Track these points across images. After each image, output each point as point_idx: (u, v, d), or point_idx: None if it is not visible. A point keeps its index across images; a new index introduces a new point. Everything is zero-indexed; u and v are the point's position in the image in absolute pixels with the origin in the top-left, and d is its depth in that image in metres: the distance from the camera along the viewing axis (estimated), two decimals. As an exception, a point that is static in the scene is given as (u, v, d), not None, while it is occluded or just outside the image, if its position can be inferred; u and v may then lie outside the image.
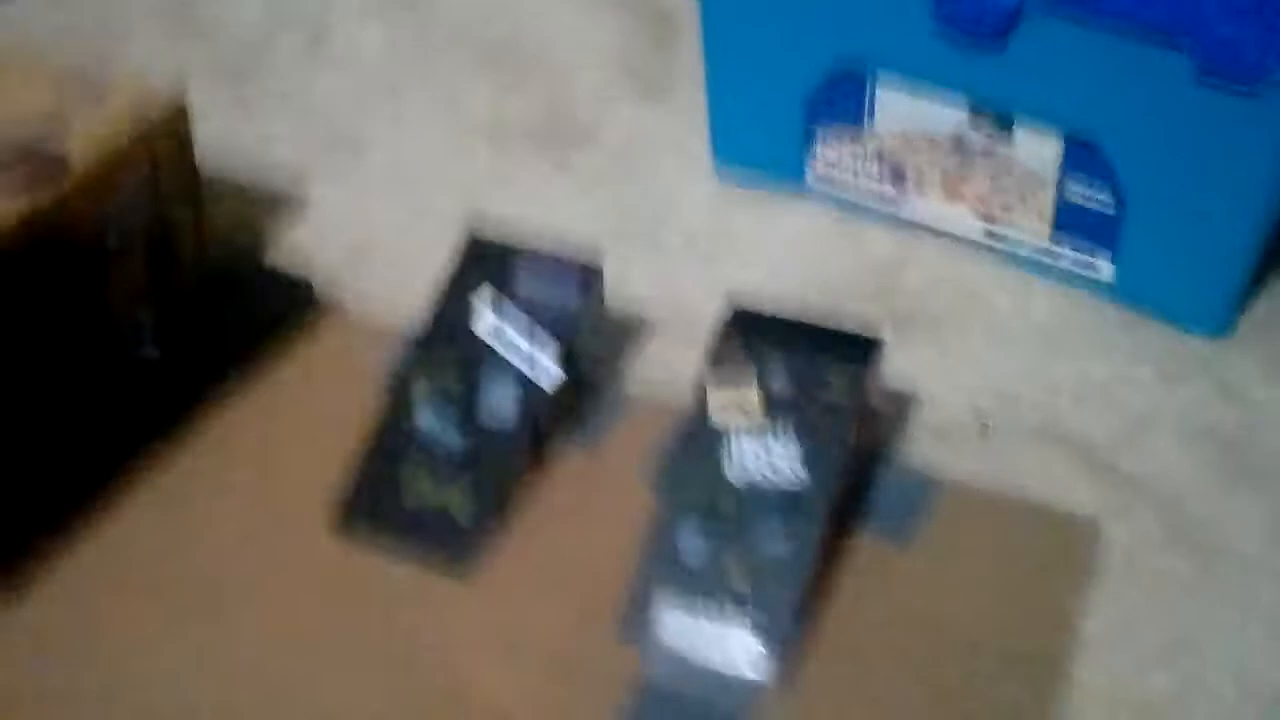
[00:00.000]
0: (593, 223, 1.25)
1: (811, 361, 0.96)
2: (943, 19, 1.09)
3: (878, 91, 1.17)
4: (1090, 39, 1.04)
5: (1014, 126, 1.12)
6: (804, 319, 1.00)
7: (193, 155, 1.14)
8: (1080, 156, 1.11)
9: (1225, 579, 0.96)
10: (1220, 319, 1.14)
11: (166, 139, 1.10)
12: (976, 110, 1.13)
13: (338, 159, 1.35)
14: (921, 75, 1.14)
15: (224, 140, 1.33)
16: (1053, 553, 0.97)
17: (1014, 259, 1.19)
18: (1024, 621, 0.92)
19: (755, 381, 0.96)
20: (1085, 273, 1.17)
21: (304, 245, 1.24)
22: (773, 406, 0.95)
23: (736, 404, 0.95)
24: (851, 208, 1.25)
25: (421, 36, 1.50)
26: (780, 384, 0.96)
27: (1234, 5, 0.98)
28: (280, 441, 1.06)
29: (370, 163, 1.34)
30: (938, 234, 1.22)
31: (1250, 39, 0.98)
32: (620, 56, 1.46)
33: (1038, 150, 1.12)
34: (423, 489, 0.98)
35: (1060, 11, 1.04)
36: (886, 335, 1.01)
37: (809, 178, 1.26)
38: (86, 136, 1.05)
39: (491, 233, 1.08)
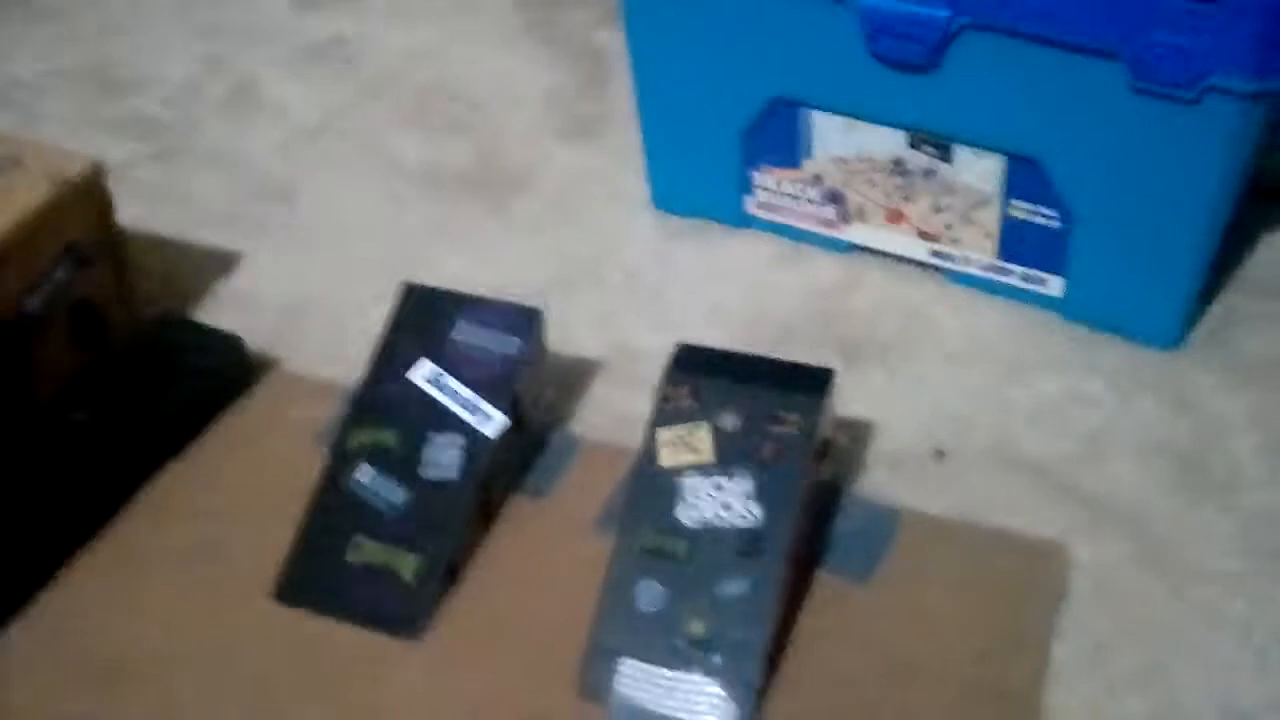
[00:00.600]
0: (533, 267, 1.23)
1: (761, 398, 0.94)
2: (875, 52, 1.07)
3: (814, 120, 1.15)
4: (1024, 56, 1.02)
5: (954, 147, 1.11)
6: (751, 355, 0.98)
7: (112, 218, 1.11)
8: (1023, 174, 1.09)
9: (1194, 595, 0.94)
10: (1173, 330, 1.12)
11: (83, 204, 1.07)
12: (915, 134, 1.11)
13: (268, 213, 1.32)
14: (857, 108, 1.12)
15: (151, 198, 1.31)
16: (1018, 579, 0.94)
17: (961, 279, 1.18)
18: (992, 652, 0.90)
19: (705, 421, 0.93)
20: (1034, 290, 1.15)
21: (237, 302, 1.21)
22: (724, 445, 0.92)
23: (686, 445, 0.93)
24: (794, 237, 1.23)
25: (350, 86, 1.48)
26: (730, 422, 0.93)
27: (1167, 11, 0.97)
28: (221, 505, 1.02)
29: (302, 216, 1.32)
30: (883, 259, 1.20)
31: (1185, 44, 0.97)
32: (552, 98, 1.44)
33: (979, 170, 1.11)
34: (368, 549, 0.95)
35: (993, 30, 1.02)
36: (836, 364, 0.98)
37: (749, 209, 1.24)
38: (0, 204, 1.02)
39: (428, 284, 1.05)
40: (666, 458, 0.93)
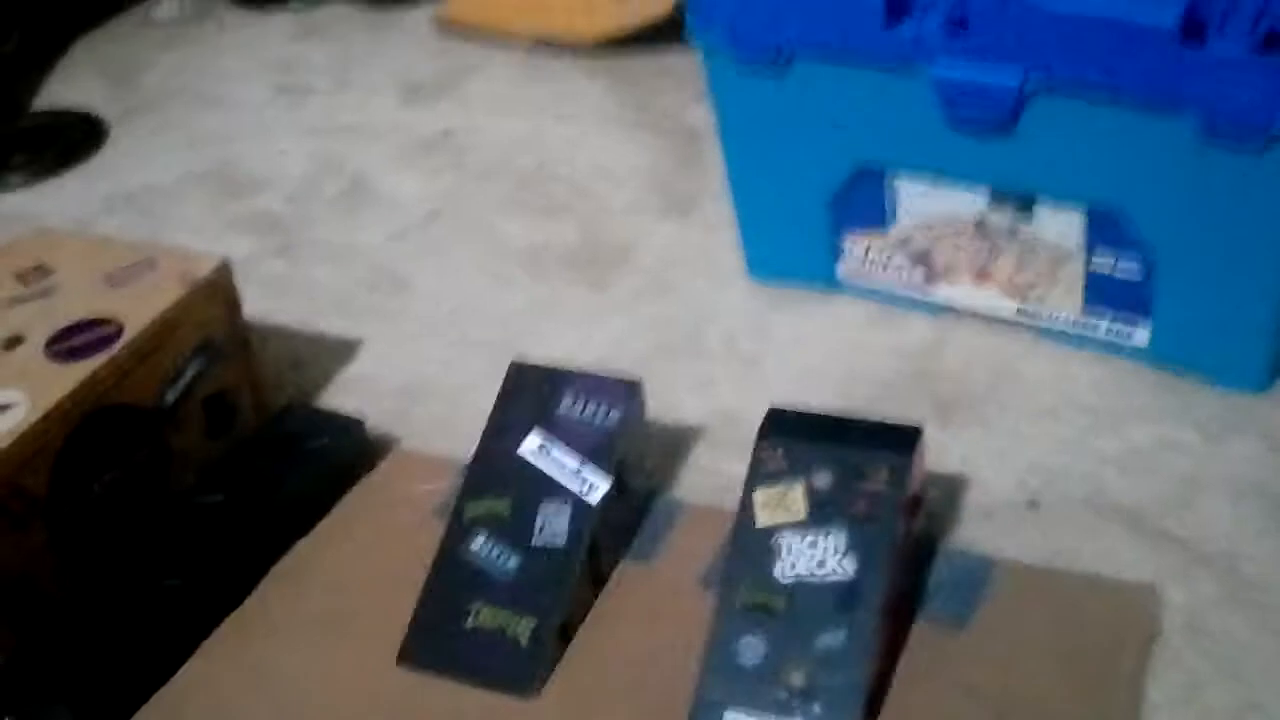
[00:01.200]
0: (635, 339, 1.28)
1: (852, 456, 0.98)
2: (951, 118, 1.11)
3: (898, 186, 1.19)
4: (1096, 114, 1.06)
5: (1035, 206, 1.14)
6: (841, 415, 1.02)
7: (239, 313, 1.19)
8: (1103, 228, 1.12)
9: (1288, 634, 0.96)
10: (1261, 374, 1.14)
11: (213, 301, 1.15)
12: (996, 194, 1.15)
13: (384, 300, 1.39)
14: (939, 171, 1.16)
15: (275, 291, 1.39)
16: (1112, 624, 0.97)
17: (1050, 334, 1.21)
18: (1088, 697, 0.92)
19: (798, 480, 0.98)
20: (1121, 341, 1.18)
21: (358, 385, 1.29)
22: (817, 503, 0.97)
23: (781, 505, 0.97)
24: (885, 299, 1.27)
25: (457, 176, 1.56)
26: (823, 481, 0.97)
27: (1230, 64, 1.00)
28: (347, 578, 1.09)
29: (416, 301, 1.39)
30: (972, 316, 1.24)
31: (1250, 95, 1.00)
32: (649, 175, 1.50)
33: (1061, 226, 1.14)
34: (485, 614, 1.00)
35: (1064, 91, 1.06)
36: (930, 420, 1.02)
37: (840, 275, 1.28)
38: (138, 306, 1.10)
39: (534, 360, 1.11)
40: (763, 518, 0.97)
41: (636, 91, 1.64)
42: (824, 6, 1.13)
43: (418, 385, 1.28)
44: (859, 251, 1.26)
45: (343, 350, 1.33)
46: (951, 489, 1.09)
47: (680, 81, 1.61)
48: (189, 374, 1.13)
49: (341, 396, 1.27)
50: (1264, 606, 0.97)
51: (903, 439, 0.99)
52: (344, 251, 1.47)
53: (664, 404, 1.15)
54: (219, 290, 1.16)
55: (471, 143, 1.61)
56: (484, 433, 1.08)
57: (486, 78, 1.73)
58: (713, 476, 1.13)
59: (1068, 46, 1.05)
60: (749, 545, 0.97)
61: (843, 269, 1.28)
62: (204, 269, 1.15)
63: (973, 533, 1.05)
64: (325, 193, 1.57)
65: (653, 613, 1.02)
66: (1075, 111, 1.07)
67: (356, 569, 1.09)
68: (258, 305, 1.28)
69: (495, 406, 1.09)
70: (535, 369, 1.10)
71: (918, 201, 1.20)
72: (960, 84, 1.10)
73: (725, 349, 1.27)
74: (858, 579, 0.93)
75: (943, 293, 1.24)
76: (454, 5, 1.89)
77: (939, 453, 1.07)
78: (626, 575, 1.05)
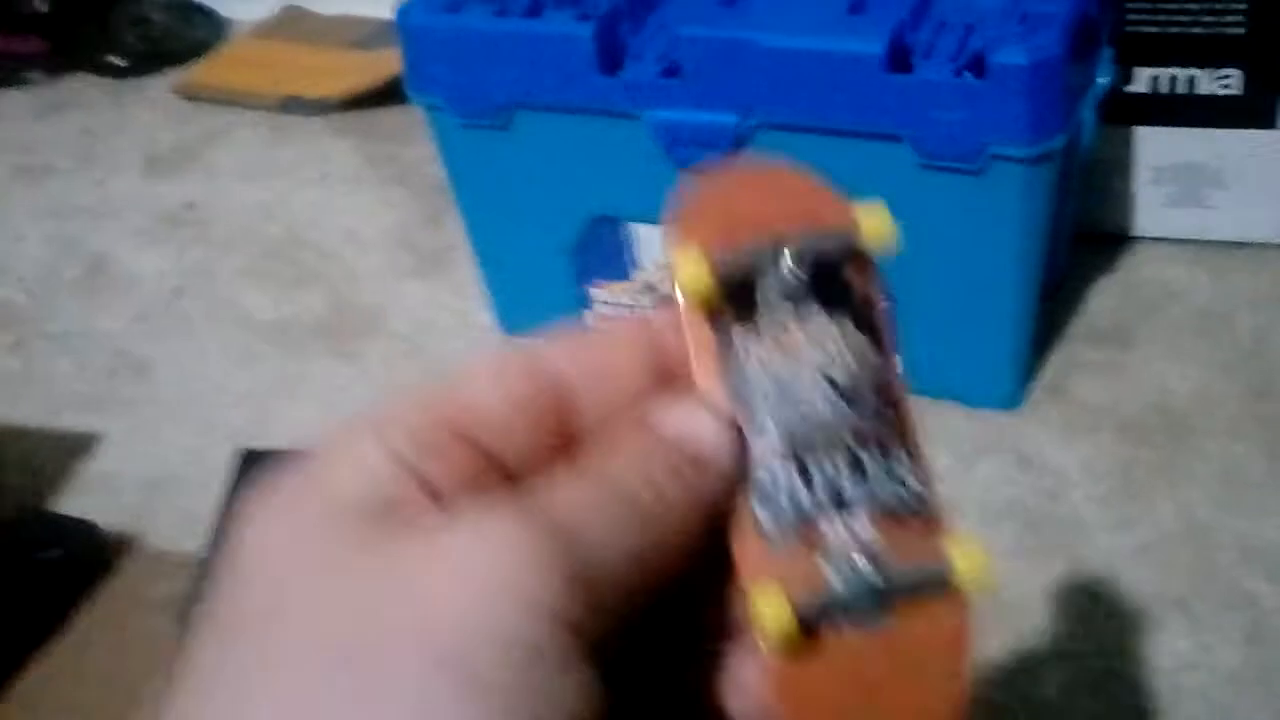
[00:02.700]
0: (386, 409, 1.24)
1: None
2: (675, 161, 1.09)
3: (636, 232, 1.17)
4: (817, 147, 1.05)
5: (773, 241, 1.13)
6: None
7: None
8: (842, 258, 1.11)
9: (1044, 660, 0.95)
10: (1008, 390, 1.14)
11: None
12: (733, 232, 1.14)
13: (125, 388, 1.33)
14: (672, 213, 1.14)
15: (8, 389, 1.32)
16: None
17: (802, 368, 1.19)
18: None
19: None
20: (871, 369, 1.17)
21: (96, 484, 1.22)
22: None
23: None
24: (638, 346, 1.25)
25: (202, 250, 1.50)
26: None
27: (940, 90, 0.99)
28: (87, 699, 1.02)
29: (158, 387, 1.32)
30: (725, 357, 1.22)
31: (962, 119, 1.00)
32: (399, 234, 1.46)
33: (800, 259, 1.13)
34: None
35: (782, 126, 1.05)
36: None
37: (591, 326, 1.25)
38: None
39: (275, 443, 1.06)
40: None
41: (386, 147, 1.60)
42: (538, 59, 1.10)
43: (160, 478, 1.21)
44: (606, 300, 1.23)
45: (81, 447, 1.26)
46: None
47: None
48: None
49: (79, 498, 1.20)
50: (1020, 632, 0.97)
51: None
52: (83, 340, 1.40)
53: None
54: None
55: (216, 213, 1.55)
56: (214, 526, 1.02)
57: (232, 144, 1.67)
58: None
59: (780, 81, 1.04)
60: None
61: (593, 319, 1.25)
62: (-95, 380, 1.08)
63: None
64: (64, 278, 1.50)
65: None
66: (796, 146, 1.05)
67: (99, 685, 1.03)
68: (-12, 407, 1.21)
69: (224, 499, 1.03)
70: (266, 454, 1.05)
71: (657, 246, 1.17)
72: (678, 127, 1.08)
73: (480, 411, 1.23)
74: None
75: (693, 335, 1.22)
76: (198, 72, 1.83)
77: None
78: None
